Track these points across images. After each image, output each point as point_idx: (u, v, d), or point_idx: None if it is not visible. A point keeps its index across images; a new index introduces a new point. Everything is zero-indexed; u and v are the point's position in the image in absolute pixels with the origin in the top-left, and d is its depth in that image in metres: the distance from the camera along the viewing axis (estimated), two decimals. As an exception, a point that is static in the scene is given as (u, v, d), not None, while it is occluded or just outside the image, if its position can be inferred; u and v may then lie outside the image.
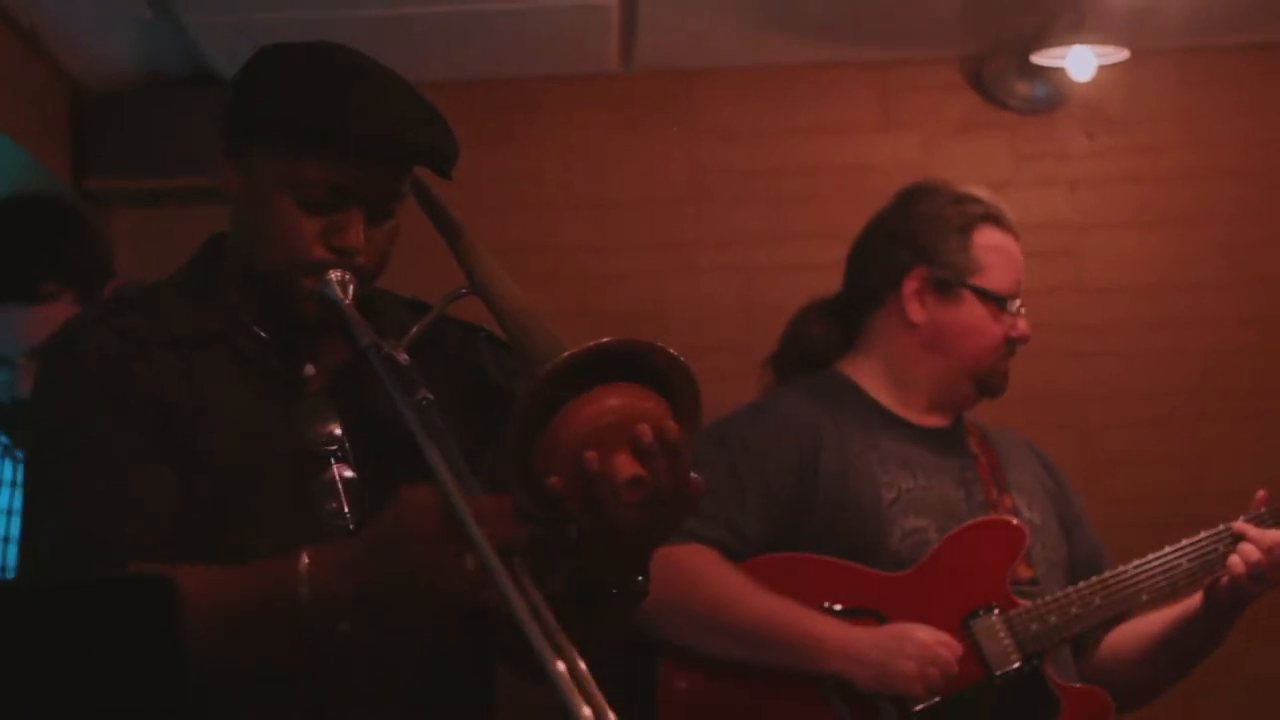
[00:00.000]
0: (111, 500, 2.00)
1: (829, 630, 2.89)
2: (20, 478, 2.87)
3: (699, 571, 2.91)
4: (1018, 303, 3.07)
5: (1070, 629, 2.99)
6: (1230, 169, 4.82)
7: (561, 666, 1.68)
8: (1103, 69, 4.58)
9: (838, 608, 2.93)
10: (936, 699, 2.89)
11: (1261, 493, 3.01)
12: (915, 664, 2.85)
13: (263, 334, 2.13)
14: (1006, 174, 4.73)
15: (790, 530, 2.97)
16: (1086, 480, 4.09)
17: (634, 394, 1.89)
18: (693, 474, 1.92)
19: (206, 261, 2.19)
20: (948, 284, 3.05)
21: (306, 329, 2.12)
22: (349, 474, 2.09)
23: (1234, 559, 2.93)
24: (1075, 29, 4.44)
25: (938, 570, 2.95)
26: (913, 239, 3.07)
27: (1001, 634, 2.95)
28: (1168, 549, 3.02)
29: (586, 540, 1.94)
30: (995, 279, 3.06)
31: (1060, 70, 4.61)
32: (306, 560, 1.91)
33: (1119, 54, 4.54)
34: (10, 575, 2.83)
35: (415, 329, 2.09)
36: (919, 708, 2.89)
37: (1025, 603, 2.98)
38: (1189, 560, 3.01)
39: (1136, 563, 3.02)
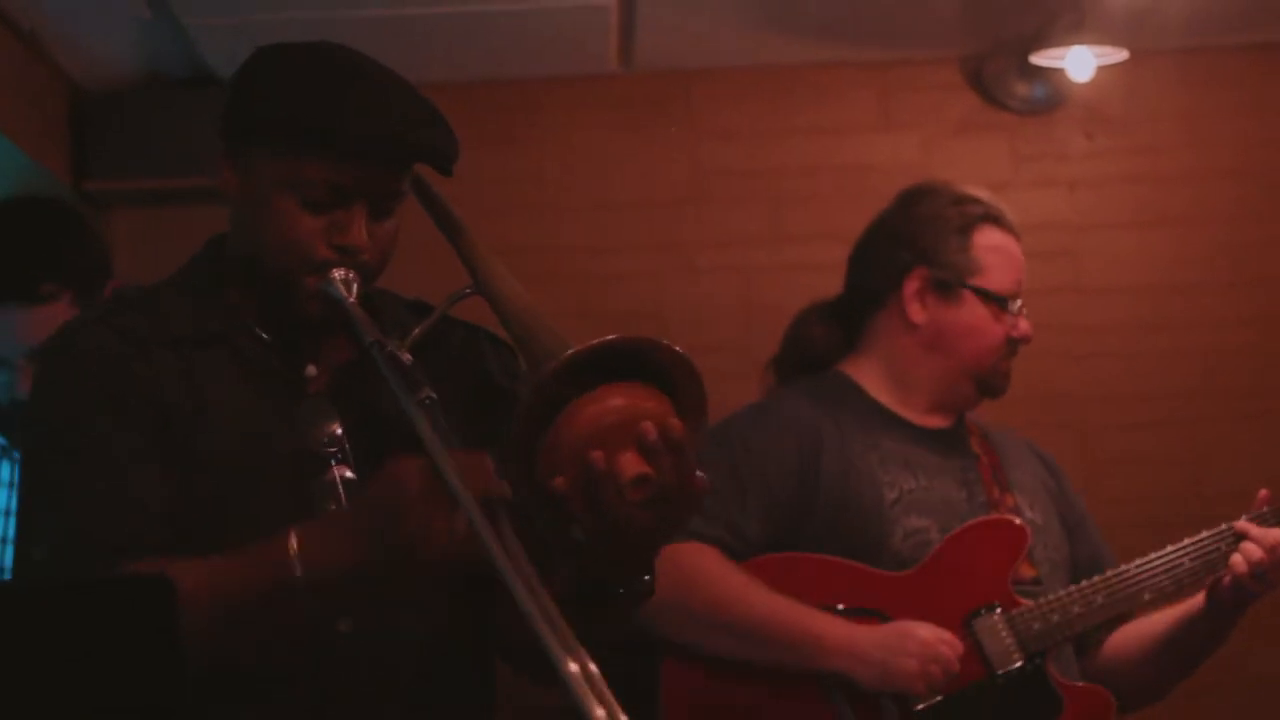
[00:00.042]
0: (111, 500, 2.00)
1: (831, 629, 2.89)
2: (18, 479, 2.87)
3: (700, 570, 2.91)
4: (1018, 303, 3.07)
5: (1073, 628, 2.99)
6: (1230, 169, 4.81)
7: (574, 667, 1.67)
8: (1102, 69, 4.57)
9: (840, 607, 2.93)
10: (938, 698, 2.89)
11: (1264, 492, 3.01)
12: (917, 662, 2.85)
13: (264, 334, 2.13)
14: (1006, 174, 4.72)
15: (791, 531, 2.97)
16: (1086, 481, 4.08)
17: (638, 392, 1.88)
18: (698, 472, 1.91)
19: (207, 262, 2.19)
20: (948, 285, 3.05)
21: (309, 328, 2.11)
22: (349, 475, 2.08)
23: (1236, 558, 2.93)
24: (1075, 29, 4.43)
25: (940, 570, 2.95)
26: (913, 240, 3.07)
27: (1003, 633, 2.95)
28: (1170, 548, 3.02)
29: (592, 540, 1.92)
30: (996, 279, 3.06)
31: (1060, 71, 4.59)
32: (295, 542, 1.90)
33: (1118, 54, 4.53)
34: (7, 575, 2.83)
35: (419, 328, 2.09)
36: (921, 706, 2.89)
37: (1027, 602, 2.98)
38: (1191, 559, 3.01)
39: (1139, 562, 3.02)
